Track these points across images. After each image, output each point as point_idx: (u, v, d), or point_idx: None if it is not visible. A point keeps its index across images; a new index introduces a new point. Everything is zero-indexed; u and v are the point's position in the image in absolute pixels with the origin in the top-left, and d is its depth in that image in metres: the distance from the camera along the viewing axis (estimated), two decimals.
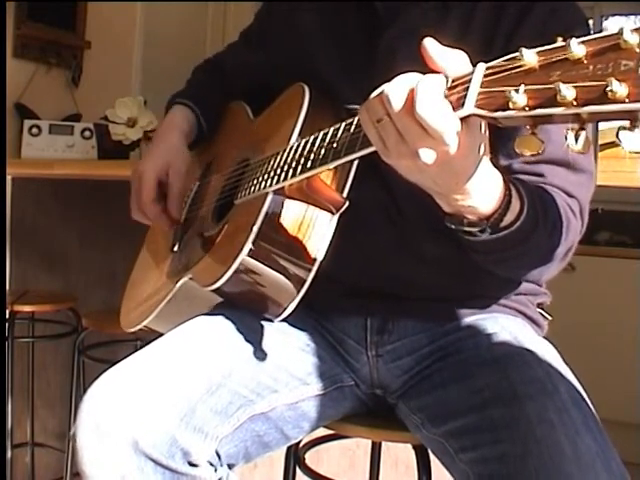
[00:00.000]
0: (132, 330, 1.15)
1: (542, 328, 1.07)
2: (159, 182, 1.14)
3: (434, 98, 0.65)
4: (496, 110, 0.61)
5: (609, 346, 2.85)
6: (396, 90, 0.67)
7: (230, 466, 0.92)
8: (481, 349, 0.96)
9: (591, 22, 3.69)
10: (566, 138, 0.58)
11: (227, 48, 1.33)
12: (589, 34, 0.96)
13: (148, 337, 1.11)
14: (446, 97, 0.66)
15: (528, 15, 0.95)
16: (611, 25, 3.76)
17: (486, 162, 0.74)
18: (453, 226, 0.81)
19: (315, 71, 1.05)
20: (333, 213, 0.94)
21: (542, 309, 1.08)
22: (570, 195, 0.92)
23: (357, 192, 0.94)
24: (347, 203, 0.93)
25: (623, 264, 2.97)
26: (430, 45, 0.67)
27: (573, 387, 0.87)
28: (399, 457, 1.67)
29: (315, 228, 0.93)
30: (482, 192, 0.76)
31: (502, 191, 0.78)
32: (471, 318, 1.02)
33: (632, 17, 3.83)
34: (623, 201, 3.24)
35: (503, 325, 1.00)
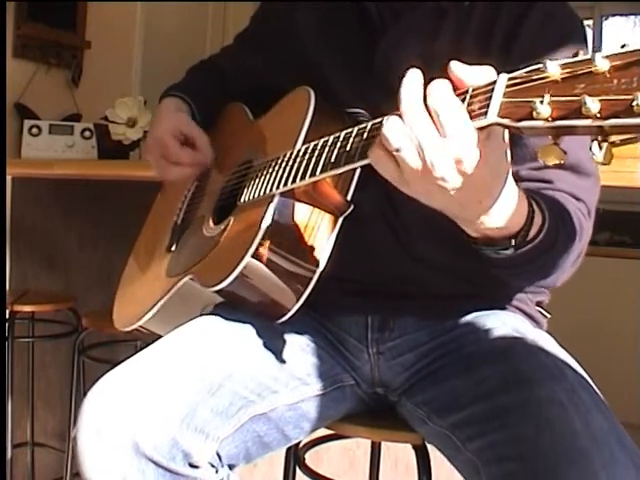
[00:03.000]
0: (128, 329, 1.15)
1: (541, 326, 1.08)
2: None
3: (444, 91, 0.66)
4: (520, 120, 0.62)
5: (609, 346, 2.85)
6: (406, 90, 0.68)
7: (231, 467, 0.92)
8: (483, 343, 0.96)
9: (591, 22, 3.69)
10: (590, 149, 0.59)
11: (222, 51, 1.33)
12: (586, 38, 0.97)
13: (147, 338, 1.11)
14: (468, 105, 0.66)
15: (525, 19, 0.95)
16: (611, 25, 3.76)
17: (510, 180, 0.73)
18: (480, 248, 0.80)
19: (315, 73, 1.05)
20: (337, 216, 0.94)
21: (541, 307, 1.09)
22: (578, 199, 0.92)
23: (356, 193, 0.94)
24: (352, 207, 0.93)
25: (623, 264, 2.98)
26: (456, 67, 0.67)
27: (578, 372, 0.87)
28: (399, 457, 1.67)
29: (320, 231, 0.93)
30: (507, 211, 0.75)
31: (525, 207, 0.78)
32: (472, 315, 1.02)
33: (632, 17, 3.83)
34: (623, 201, 3.24)
35: (504, 320, 1.00)
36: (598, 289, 2.91)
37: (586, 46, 0.98)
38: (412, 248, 1.01)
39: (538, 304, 1.08)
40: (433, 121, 0.66)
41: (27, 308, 2.19)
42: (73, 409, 2.06)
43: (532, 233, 0.80)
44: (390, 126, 0.68)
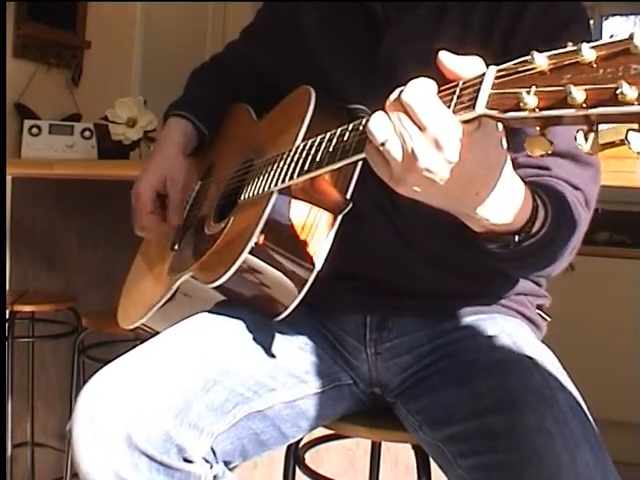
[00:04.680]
0: (130, 327, 1.15)
1: (541, 329, 1.08)
2: (157, 194, 1.15)
3: (418, 86, 0.67)
4: (507, 111, 0.62)
5: (609, 346, 2.85)
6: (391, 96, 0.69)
7: (227, 463, 0.93)
8: (480, 352, 0.96)
9: (591, 22, 3.69)
10: (576, 139, 0.59)
11: (227, 47, 1.33)
12: (588, 26, 0.97)
13: (148, 337, 1.11)
14: (458, 98, 0.66)
15: (525, 11, 0.95)
16: (611, 25, 3.76)
17: (510, 173, 0.73)
18: (484, 244, 0.80)
19: (317, 71, 1.05)
20: (336, 214, 0.94)
21: (542, 311, 1.09)
22: (576, 187, 0.92)
23: (356, 190, 0.94)
24: (350, 205, 0.93)
25: (623, 264, 2.97)
26: (445, 57, 0.68)
27: (572, 397, 0.86)
28: (399, 457, 1.67)
29: (318, 229, 0.93)
30: (509, 204, 0.75)
31: (530, 202, 0.78)
32: (471, 318, 1.02)
33: (632, 17, 3.84)
34: (623, 201, 3.24)
35: (502, 327, 0.99)
36: (598, 289, 2.91)
37: (589, 33, 0.98)
38: (412, 244, 1.01)
39: (538, 307, 1.08)
40: (408, 114, 0.67)
41: (27, 308, 2.19)
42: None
43: (535, 228, 0.80)
44: (374, 121, 0.69)
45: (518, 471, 0.77)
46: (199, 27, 3.94)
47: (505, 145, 0.71)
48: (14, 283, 2.48)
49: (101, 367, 0.93)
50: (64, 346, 2.30)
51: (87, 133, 2.56)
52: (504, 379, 0.87)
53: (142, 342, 0.99)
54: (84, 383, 0.92)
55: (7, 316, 2.15)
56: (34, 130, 2.57)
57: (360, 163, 0.91)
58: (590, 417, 0.84)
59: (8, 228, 2.53)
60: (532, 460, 0.77)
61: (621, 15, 3.82)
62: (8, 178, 2.42)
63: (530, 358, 0.92)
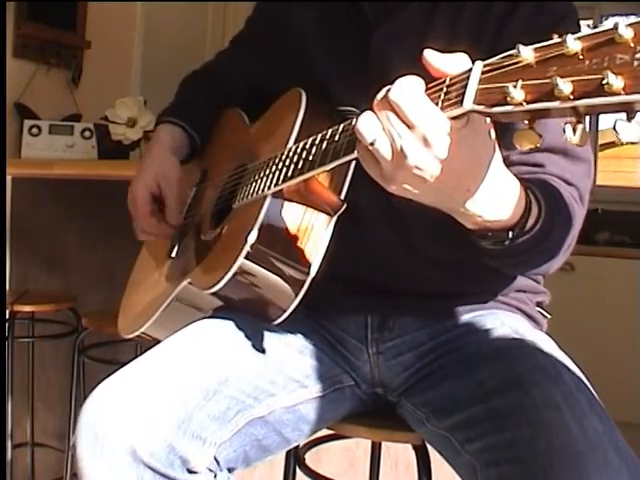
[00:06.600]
0: (130, 336, 1.15)
1: (541, 326, 1.08)
2: (153, 196, 1.15)
3: (405, 85, 0.66)
4: (494, 106, 0.62)
5: (609, 346, 2.85)
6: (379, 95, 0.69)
7: (230, 470, 0.92)
8: (482, 344, 0.96)
9: (591, 22, 3.70)
10: (564, 131, 0.59)
11: (217, 57, 1.33)
12: (578, 25, 0.97)
13: (148, 342, 1.11)
14: (446, 94, 0.66)
15: (516, 10, 0.95)
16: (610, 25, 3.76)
17: (501, 168, 0.73)
18: (477, 240, 0.80)
19: (309, 73, 1.05)
20: (331, 215, 0.94)
21: (542, 308, 1.09)
22: (570, 184, 0.92)
23: (353, 190, 0.94)
24: (345, 205, 0.93)
25: (623, 264, 2.98)
26: (430, 55, 0.68)
27: (575, 374, 0.87)
28: (399, 457, 1.67)
29: (313, 230, 0.93)
30: (501, 199, 0.75)
31: (523, 198, 0.78)
32: (471, 314, 1.02)
33: (632, 17, 3.84)
34: (623, 201, 3.24)
35: (503, 320, 1.00)
36: (598, 289, 2.91)
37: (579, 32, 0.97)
38: (411, 244, 1.01)
39: (538, 304, 1.08)
40: (397, 113, 0.67)
41: (27, 308, 2.19)
42: (73, 409, 2.05)
43: (529, 224, 0.80)
44: (362, 120, 0.68)
45: (529, 444, 0.77)
46: (199, 27, 3.94)
47: (493, 136, 0.71)
48: (14, 283, 2.48)
49: (102, 368, 0.93)
50: (64, 346, 2.30)
51: (87, 133, 2.55)
52: (508, 364, 0.88)
53: (142, 343, 0.99)
54: (84, 383, 0.92)
55: (7, 316, 2.15)
56: (34, 130, 2.57)
57: (354, 163, 0.91)
58: (595, 393, 0.85)
59: (8, 228, 2.52)
60: (542, 433, 0.77)
61: (621, 15, 3.82)
62: (8, 178, 2.42)
63: (532, 343, 0.92)
